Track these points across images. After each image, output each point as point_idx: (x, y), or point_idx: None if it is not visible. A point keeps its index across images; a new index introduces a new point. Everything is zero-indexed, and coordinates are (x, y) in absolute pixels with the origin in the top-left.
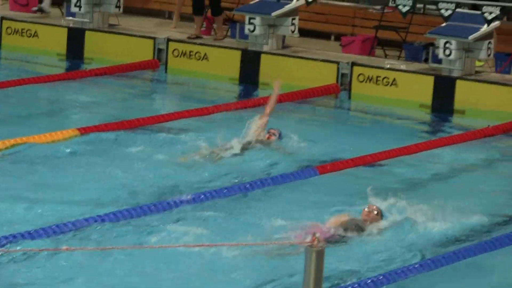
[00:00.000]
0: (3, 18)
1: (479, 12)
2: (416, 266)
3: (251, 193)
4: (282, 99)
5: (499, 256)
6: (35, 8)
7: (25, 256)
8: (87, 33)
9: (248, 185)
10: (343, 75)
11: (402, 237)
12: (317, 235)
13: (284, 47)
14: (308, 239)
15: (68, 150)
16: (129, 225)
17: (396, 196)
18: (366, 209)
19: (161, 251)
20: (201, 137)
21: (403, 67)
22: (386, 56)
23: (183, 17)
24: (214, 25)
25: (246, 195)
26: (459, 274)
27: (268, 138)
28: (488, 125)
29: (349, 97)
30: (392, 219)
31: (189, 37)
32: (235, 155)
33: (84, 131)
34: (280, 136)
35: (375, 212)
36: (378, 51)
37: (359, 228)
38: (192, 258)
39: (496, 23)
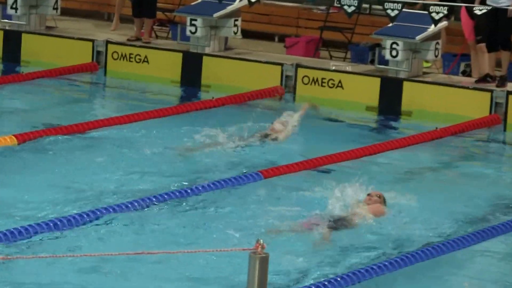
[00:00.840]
0: None
1: (426, 12)
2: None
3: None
4: (225, 102)
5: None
6: None
7: None
8: (23, 35)
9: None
10: (287, 77)
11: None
12: (261, 241)
13: (227, 49)
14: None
15: (4, 158)
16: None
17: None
18: (368, 195)
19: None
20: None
21: (348, 68)
22: (331, 57)
23: (123, 19)
24: (143, 28)
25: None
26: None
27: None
28: (436, 128)
29: (294, 100)
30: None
31: (128, 39)
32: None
33: (21, 138)
34: None
35: (378, 198)
36: (323, 53)
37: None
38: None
39: (444, 23)
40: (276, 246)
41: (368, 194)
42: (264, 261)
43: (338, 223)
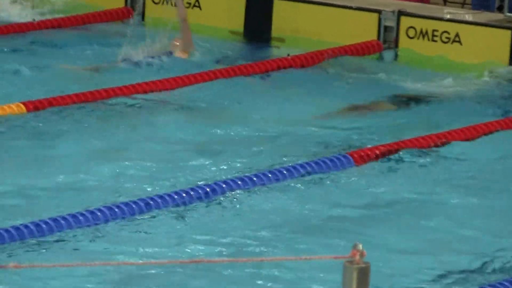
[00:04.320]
0: None
1: None
2: None
3: None
4: (303, 62)
5: None
6: None
7: None
8: None
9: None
10: (387, 28)
11: None
12: (360, 247)
13: None
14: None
15: (10, 129)
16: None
17: None
18: None
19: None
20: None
21: (468, 17)
22: (445, 2)
23: None
24: None
25: None
26: None
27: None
28: None
29: (395, 58)
30: None
31: None
32: None
33: (32, 106)
34: None
35: None
36: None
37: None
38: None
39: None
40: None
41: None
42: (364, 273)
43: None
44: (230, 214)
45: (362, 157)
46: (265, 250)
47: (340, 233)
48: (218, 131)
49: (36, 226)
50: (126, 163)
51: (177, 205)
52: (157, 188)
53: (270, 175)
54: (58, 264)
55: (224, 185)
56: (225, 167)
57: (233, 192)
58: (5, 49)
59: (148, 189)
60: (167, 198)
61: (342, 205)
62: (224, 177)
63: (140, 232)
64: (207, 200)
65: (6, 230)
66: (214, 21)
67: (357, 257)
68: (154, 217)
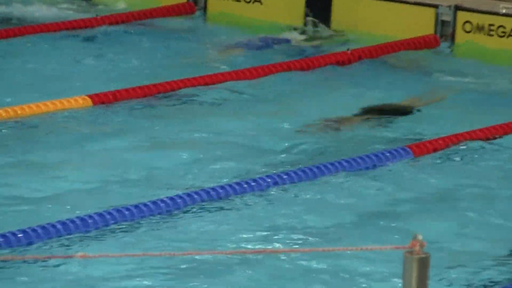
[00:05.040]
0: None
1: None
2: None
3: None
4: (362, 55)
5: None
6: None
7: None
8: None
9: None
10: (444, 22)
11: None
12: (420, 237)
13: None
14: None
15: (76, 123)
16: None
17: None
18: None
19: None
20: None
21: None
22: None
23: None
24: None
25: None
26: None
27: None
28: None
29: (452, 52)
30: None
31: None
32: None
33: (97, 99)
34: None
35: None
36: None
37: None
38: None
39: None
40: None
41: None
42: (424, 263)
43: None
44: (291, 204)
45: (421, 149)
46: (323, 241)
47: (398, 224)
48: (281, 125)
49: (99, 216)
50: (195, 153)
51: (253, 192)
52: (232, 175)
53: (330, 167)
54: (124, 254)
55: (285, 176)
56: (293, 157)
57: (296, 183)
58: (69, 45)
59: (220, 178)
60: (236, 187)
61: (401, 197)
62: (288, 168)
63: (205, 222)
64: (268, 190)
65: (72, 221)
66: (274, 16)
67: (417, 247)
68: (222, 207)
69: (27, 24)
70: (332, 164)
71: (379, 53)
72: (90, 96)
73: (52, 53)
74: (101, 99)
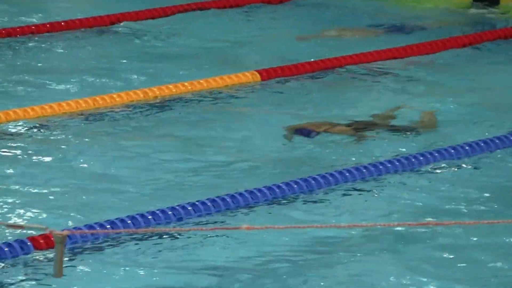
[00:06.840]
0: None
1: None
2: None
3: None
4: None
5: None
6: None
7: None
8: None
9: None
10: None
11: None
12: None
13: None
14: None
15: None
16: None
17: None
18: None
19: None
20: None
21: None
22: None
23: None
24: None
25: None
26: None
27: None
28: None
29: None
30: None
31: None
32: None
33: (265, 74)
34: None
35: None
36: None
37: None
38: None
39: None
40: None
41: None
42: None
43: None
44: (409, 189)
45: None
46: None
47: None
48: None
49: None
50: None
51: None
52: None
53: (437, 154)
54: (290, 226)
55: (389, 165)
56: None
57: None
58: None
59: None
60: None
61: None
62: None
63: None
64: (373, 180)
65: (240, 194)
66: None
67: None
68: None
69: None
70: (434, 152)
71: None
72: (258, 71)
73: None
74: (269, 74)
